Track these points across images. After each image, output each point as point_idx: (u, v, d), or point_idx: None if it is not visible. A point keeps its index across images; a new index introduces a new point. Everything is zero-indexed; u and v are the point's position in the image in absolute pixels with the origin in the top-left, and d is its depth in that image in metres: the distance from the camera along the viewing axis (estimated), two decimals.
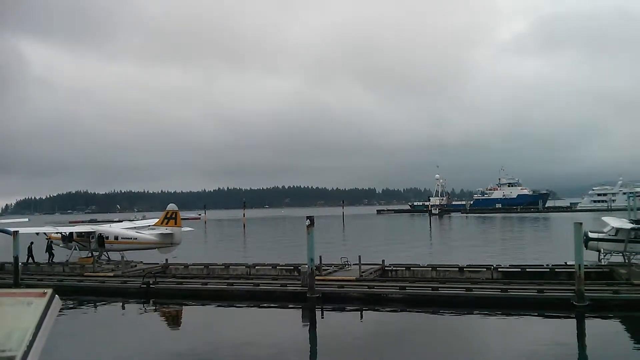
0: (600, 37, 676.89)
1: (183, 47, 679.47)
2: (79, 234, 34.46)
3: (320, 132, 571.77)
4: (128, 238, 33.89)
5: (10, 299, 2.63)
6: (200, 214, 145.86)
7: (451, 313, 21.50)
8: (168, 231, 33.25)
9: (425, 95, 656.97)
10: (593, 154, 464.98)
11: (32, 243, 35.24)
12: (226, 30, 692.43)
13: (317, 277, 24.43)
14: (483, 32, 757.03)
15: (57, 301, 2.65)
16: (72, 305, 25.34)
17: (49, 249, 35.39)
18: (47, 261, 34.91)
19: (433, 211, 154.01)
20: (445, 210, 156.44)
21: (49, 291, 2.66)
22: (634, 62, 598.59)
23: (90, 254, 34.05)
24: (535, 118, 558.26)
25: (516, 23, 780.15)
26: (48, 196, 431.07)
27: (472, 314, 21.34)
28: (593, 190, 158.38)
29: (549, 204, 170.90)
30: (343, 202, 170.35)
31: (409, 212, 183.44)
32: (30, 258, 35.13)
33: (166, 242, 33.29)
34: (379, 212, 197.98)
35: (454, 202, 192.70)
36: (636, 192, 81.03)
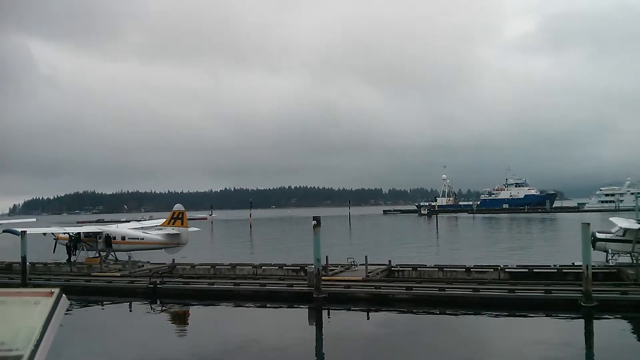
0: (607, 36, 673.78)
1: (188, 46, 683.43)
2: (87, 234, 34.58)
3: (325, 131, 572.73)
4: (135, 238, 34.02)
5: (18, 299, 2.65)
6: (211, 214, 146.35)
7: (458, 314, 21.44)
8: (175, 231, 33.35)
9: (431, 94, 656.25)
10: (601, 154, 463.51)
11: (70, 242, 35.08)
12: (229, 29, 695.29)
13: (323, 278, 24.41)
14: (489, 30, 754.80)
15: (64, 301, 2.66)
16: (79, 305, 25.45)
17: (69, 249, 35.01)
18: (67, 260, 34.68)
19: (422, 211, 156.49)
20: (434, 211, 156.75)
21: (56, 290, 2.67)
22: None
23: (97, 254, 34.18)
24: (542, 117, 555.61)
25: (523, 22, 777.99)
26: (56, 196, 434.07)
27: (479, 314, 21.27)
28: (601, 190, 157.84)
29: (557, 204, 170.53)
30: (349, 202, 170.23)
31: (413, 212, 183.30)
32: (70, 258, 34.85)
33: (173, 243, 33.40)
34: (385, 212, 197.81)
35: (460, 203, 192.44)
36: None
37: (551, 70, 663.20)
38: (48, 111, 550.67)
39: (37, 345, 2.43)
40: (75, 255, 34.78)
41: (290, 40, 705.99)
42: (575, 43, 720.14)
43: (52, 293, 2.65)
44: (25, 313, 2.55)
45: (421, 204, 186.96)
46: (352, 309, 22.99)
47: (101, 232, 34.46)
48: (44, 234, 35.33)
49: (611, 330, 19.37)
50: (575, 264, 26.10)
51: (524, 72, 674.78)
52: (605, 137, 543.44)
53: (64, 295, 2.67)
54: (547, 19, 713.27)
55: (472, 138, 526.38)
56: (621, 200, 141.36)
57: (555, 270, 26.84)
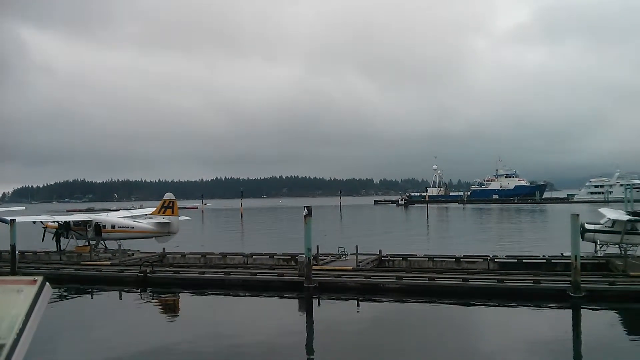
0: (602, 27, 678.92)
1: (183, 35, 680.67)
2: (76, 223, 34.35)
3: (319, 121, 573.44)
4: (125, 227, 33.85)
5: (0, 287, 2.60)
6: (203, 203, 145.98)
7: (447, 303, 21.55)
8: (165, 220, 33.23)
9: (425, 84, 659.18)
10: (592, 145, 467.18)
11: (57, 230, 34.85)
12: (226, 18, 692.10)
13: (314, 267, 24.47)
14: (484, 21, 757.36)
15: (48, 289, 2.61)
16: (69, 294, 25.34)
17: (58, 238, 34.80)
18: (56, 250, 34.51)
19: (400, 202, 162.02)
20: (410, 202, 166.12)
21: (40, 279, 2.62)
22: (636, 52, 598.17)
23: (87, 243, 34.01)
24: (535, 109, 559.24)
25: (518, 12, 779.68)
26: (45, 184, 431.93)
27: (469, 304, 21.40)
28: (590, 181, 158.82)
29: (546, 195, 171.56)
30: (340, 192, 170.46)
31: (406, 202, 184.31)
32: (58, 246, 34.73)
33: (163, 231, 33.29)
34: (376, 202, 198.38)
35: (451, 193, 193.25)
36: (633, 183, 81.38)
37: (545, 62, 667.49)
38: (40, 99, 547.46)
39: (19, 334, 2.39)
40: (63, 243, 34.58)
41: (287, 30, 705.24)
42: (569, 35, 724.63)
43: (35, 281, 2.61)
44: (8, 301, 2.51)
45: (412, 194, 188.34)
46: (342, 298, 23.05)
47: (91, 220, 34.24)
48: (34, 222, 35.08)
49: (599, 320, 19.57)
50: (564, 254, 26.31)
51: (518, 64, 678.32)
52: (596, 128, 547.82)
53: (47, 283, 2.63)
54: (541, 10, 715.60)
55: (465, 129, 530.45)
56: (610, 192, 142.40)
57: (544, 261, 27.07)
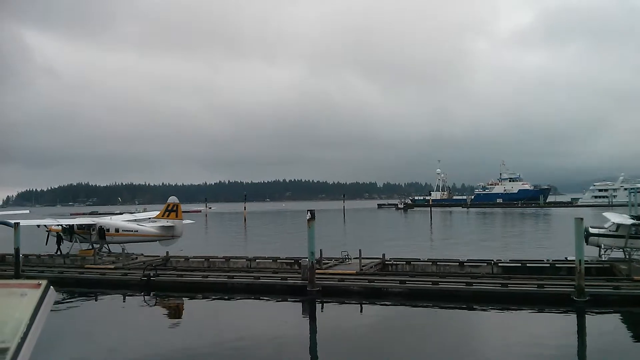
0: (604, 30, 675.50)
1: (184, 37, 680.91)
2: (80, 226, 34.44)
3: (321, 123, 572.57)
4: (129, 230, 33.90)
5: (4, 290, 2.61)
6: (208, 207, 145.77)
7: (451, 307, 21.50)
8: (169, 224, 33.25)
9: (427, 87, 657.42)
10: (595, 149, 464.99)
11: (59, 234, 35.00)
12: (227, 20, 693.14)
13: (317, 271, 24.43)
14: (485, 24, 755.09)
15: (52, 293, 2.62)
16: (72, 298, 25.36)
17: (59, 241, 35.06)
18: (57, 252, 34.71)
19: (399, 205, 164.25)
20: (410, 206, 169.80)
21: (44, 282, 2.63)
22: (638, 55, 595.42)
23: (91, 246, 34.07)
24: (537, 112, 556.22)
25: (519, 15, 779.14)
26: (49, 188, 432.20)
27: (472, 308, 21.33)
28: (594, 185, 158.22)
29: (550, 199, 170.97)
30: (344, 196, 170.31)
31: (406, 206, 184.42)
32: (58, 250, 34.91)
33: (167, 235, 33.30)
34: (380, 206, 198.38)
35: (455, 197, 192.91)
36: (637, 187, 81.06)
37: (547, 64, 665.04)
38: (42, 102, 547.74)
39: (23, 338, 2.39)
40: (62, 246, 34.70)
41: (288, 32, 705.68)
42: (571, 37, 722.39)
43: (39, 285, 2.61)
44: (12, 305, 2.51)
45: (416, 198, 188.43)
46: (345, 302, 23.02)
47: (95, 224, 34.31)
48: (38, 225, 35.16)
49: (603, 324, 19.47)
50: (568, 258, 26.23)
51: (520, 67, 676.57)
52: (600, 132, 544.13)
53: (52, 287, 2.63)
54: (544, 12, 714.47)
55: (467, 132, 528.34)
56: (614, 196, 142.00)
57: (548, 265, 26.96)
